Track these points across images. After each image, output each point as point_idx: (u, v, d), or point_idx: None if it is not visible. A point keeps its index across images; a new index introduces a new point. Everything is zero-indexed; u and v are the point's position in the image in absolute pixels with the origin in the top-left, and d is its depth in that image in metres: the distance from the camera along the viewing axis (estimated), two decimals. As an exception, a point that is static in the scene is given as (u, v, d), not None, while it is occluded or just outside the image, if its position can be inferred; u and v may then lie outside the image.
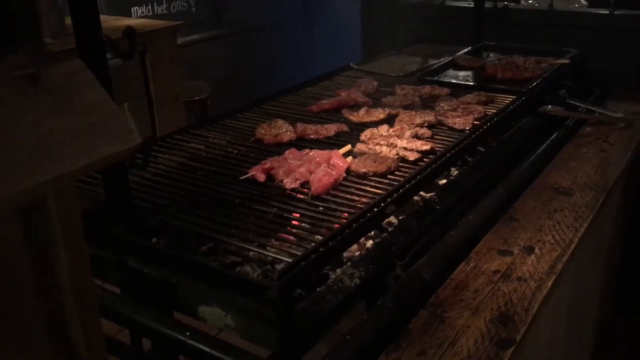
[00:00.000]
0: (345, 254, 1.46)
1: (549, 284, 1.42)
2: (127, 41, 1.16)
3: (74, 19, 1.21)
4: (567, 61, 2.62)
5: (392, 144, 1.77)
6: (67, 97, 0.69)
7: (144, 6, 4.57)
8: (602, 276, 2.74)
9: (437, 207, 1.68)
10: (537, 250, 1.55)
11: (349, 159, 1.69)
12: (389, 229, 1.57)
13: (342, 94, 2.24)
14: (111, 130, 0.70)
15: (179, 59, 4.02)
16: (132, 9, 4.47)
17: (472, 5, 3.05)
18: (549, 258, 1.52)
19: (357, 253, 1.49)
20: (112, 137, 0.69)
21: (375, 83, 2.37)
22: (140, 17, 4.51)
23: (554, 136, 2.27)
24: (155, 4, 4.66)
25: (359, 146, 1.78)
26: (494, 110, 2.08)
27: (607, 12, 3.14)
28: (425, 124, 1.94)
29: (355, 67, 2.64)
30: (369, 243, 1.53)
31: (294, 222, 1.44)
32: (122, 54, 1.17)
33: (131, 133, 0.70)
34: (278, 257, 1.28)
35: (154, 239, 1.48)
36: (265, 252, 1.31)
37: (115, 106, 0.72)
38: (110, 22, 3.94)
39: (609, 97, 2.75)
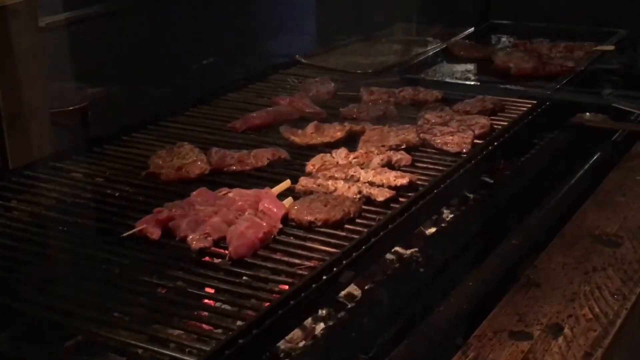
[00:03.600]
0: (283, 346, 1.48)
1: (584, 382, 1.45)
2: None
3: None
4: (612, 47, 2.71)
5: (352, 177, 1.81)
6: None
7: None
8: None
9: (421, 269, 1.71)
10: (566, 331, 1.58)
11: (288, 201, 1.71)
12: (349, 306, 1.59)
13: (282, 102, 2.28)
14: None
15: (43, 50, 4.02)
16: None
17: (474, -32, 3.15)
18: (584, 342, 1.55)
19: (302, 343, 1.50)
20: None
21: (332, 85, 2.42)
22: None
23: (594, 158, 2.33)
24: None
25: (304, 181, 1.81)
26: (505, 123, 2.14)
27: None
28: (404, 146, 1.98)
29: (303, 60, 2.68)
30: (319, 327, 1.54)
31: (205, 301, 1.45)
32: None
33: None
34: (178, 356, 1.28)
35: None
36: (160, 350, 1.31)
37: None
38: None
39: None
